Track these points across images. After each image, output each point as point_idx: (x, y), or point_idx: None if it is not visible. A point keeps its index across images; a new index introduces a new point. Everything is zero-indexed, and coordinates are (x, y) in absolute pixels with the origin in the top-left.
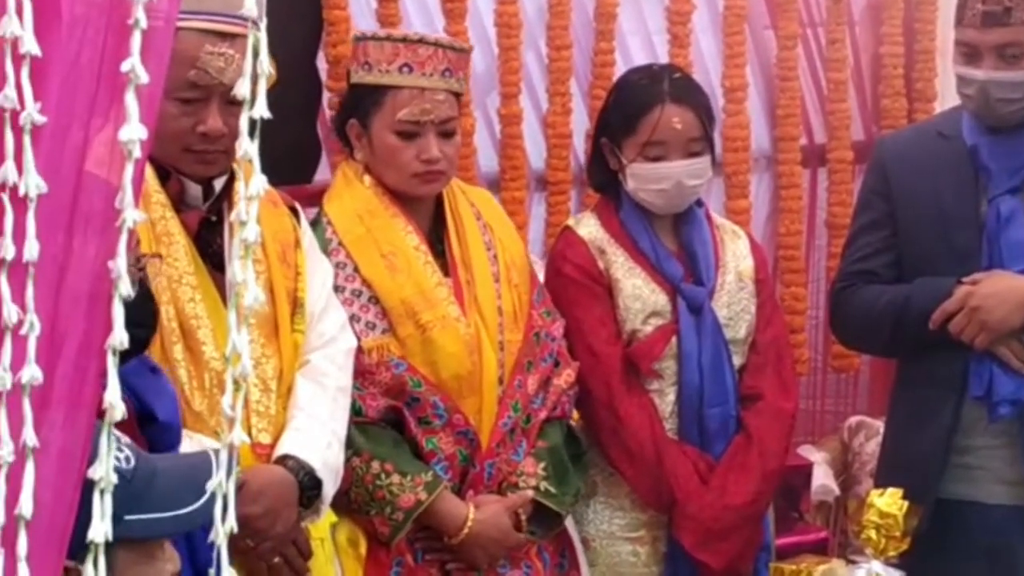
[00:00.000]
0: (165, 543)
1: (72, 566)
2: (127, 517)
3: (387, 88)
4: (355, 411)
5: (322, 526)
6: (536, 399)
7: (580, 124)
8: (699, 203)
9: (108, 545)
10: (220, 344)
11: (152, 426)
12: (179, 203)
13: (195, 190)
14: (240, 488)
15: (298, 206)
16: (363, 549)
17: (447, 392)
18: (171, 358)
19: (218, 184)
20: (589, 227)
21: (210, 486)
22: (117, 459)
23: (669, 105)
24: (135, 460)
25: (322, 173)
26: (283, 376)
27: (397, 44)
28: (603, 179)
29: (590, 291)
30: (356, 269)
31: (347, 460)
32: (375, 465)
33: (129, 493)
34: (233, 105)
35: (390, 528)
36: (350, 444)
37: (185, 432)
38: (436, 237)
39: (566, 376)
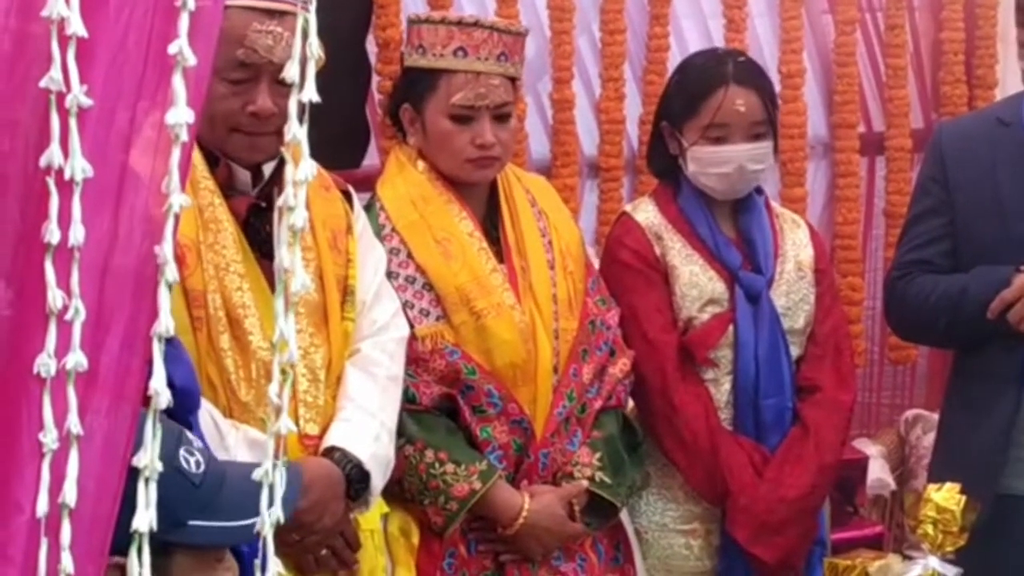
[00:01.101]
0: (226, 551)
1: (120, 562)
2: (191, 523)
3: (441, 72)
4: (408, 399)
5: (372, 517)
6: (591, 388)
7: (633, 110)
8: (759, 191)
9: (168, 547)
10: (268, 334)
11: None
12: (227, 189)
13: (244, 175)
14: None
15: (351, 190)
16: (415, 539)
17: (502, 380)
18: (218, 347)
19: (267, 169)
20: (647, 213)
21: (257, 474)
22: (187, 462)
23: (733, 87)
24: (205, 465)
25: (370, 158)
26: (332, 365)
27: (452, 27)
28: (662, 164)
29: (646, 278)
30: (410, 255)
31: (400, 448)
32: (429, 454)
33: (196, 498)
34: (283, 85)
35: (444, 518)
36: (403, 432)
37: (231, 423)
38: (491, 223)
39: (621, 365)
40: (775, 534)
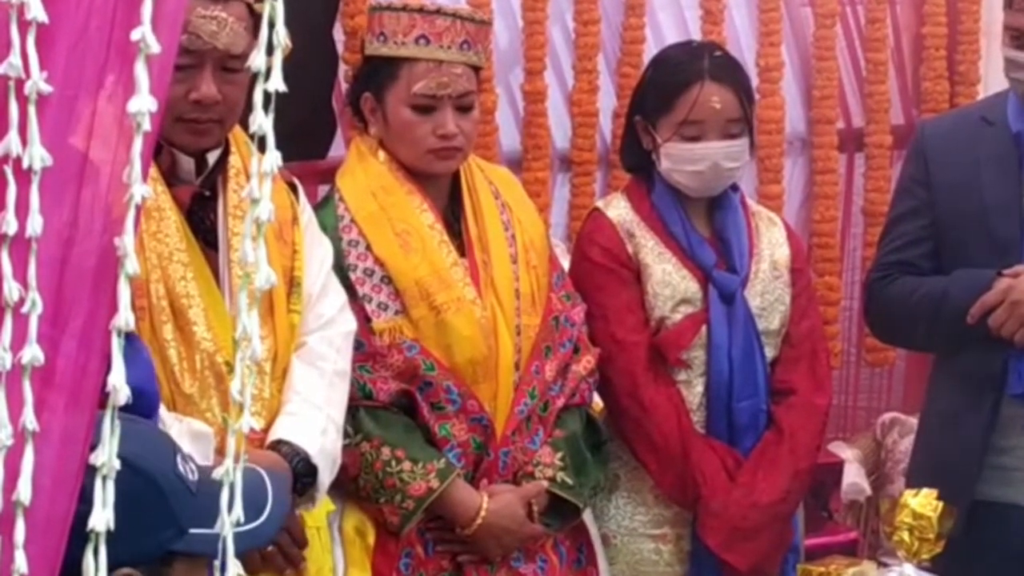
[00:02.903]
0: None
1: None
2: (192, 531)
3: (403, 60)
4: (365, 395)
5: (318, 515)
6: (554, 386)
7: (607, 102)
8: (734, 188)
9: (168, 558)
10: (212, 324)
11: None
12: (171, 177)
13: (188, 164)
14: None
15: (296, 181)
16: (371, 539)
17: (461, 377)
18: (160, 338)
19: (211, 158)
20: (619, 209)
21: (217, 473)
22: (185, 470)
23: (708, 83)
24: (198, 474)
25: (337, 149)
26: (278, 358)
27: (414, 15)
28: (635, 160)
29: (617, 276)
30: (369, 247)
31: (356, 445)
32: (385, 451)
33: (196, 507)
34: (228, 72)
35: (400, 517)
36: (360, 429)
37: (174, 415)
38: (453, 216)
39: (585, 362)
40: (748, 540)
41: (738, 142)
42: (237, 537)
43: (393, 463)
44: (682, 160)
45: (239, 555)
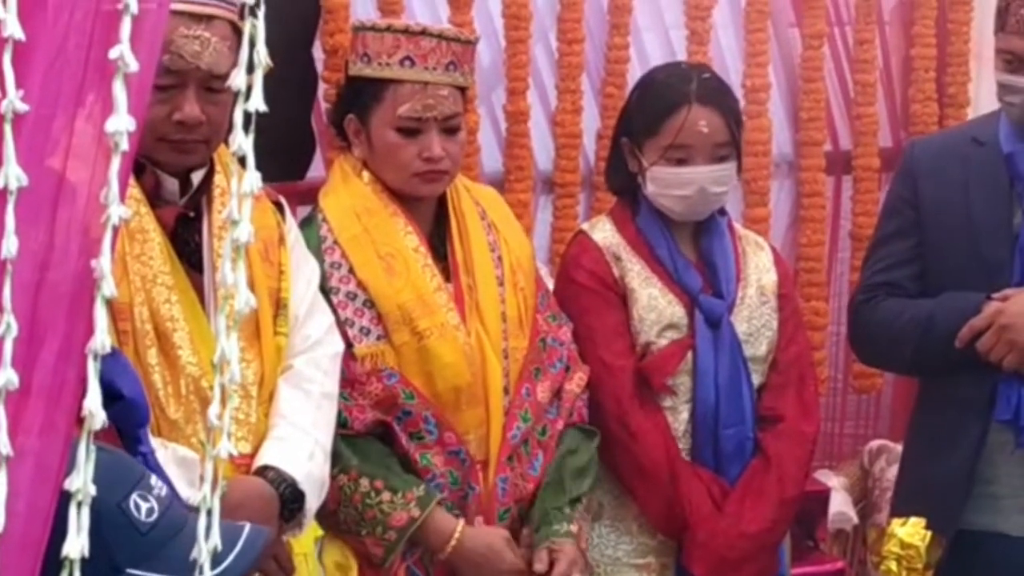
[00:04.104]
0: None
1: None
2: (130, 571)
3: (388, 82)
4: (341, 423)
5: (305, 541)
6: (551, 408)
7: (591, 123)
8: (722, 211)
9: None
10: (198, 348)
11: (117, 404)
12: (154, 198)
13: (171, 184)
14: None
15: (283, 201)
16: (354, 573)
17: (440, 408)
18: (144, 363)
19: (196, 178)
20: (604, 232)
21: (195, 499)
22: (137, 508)
23: (696, 107)
24: (159, 514)
25: (315, 170)
26: (264, 381)
27: (398, 35)
28: (621, 182)
29: (604, 299)
30: (351, 270)
31: (334, 477)
32: (364, 483)
33: (141, 546)
34: (211, 92)
35: (383, 549)
36: (337, 460)
37: (159, 441)
38: (438, 239)
39: (578, 380)
40: (735, 570)
41: (726, 166)
42: None
43: (372, 495)
44: (668, 184)
45: None
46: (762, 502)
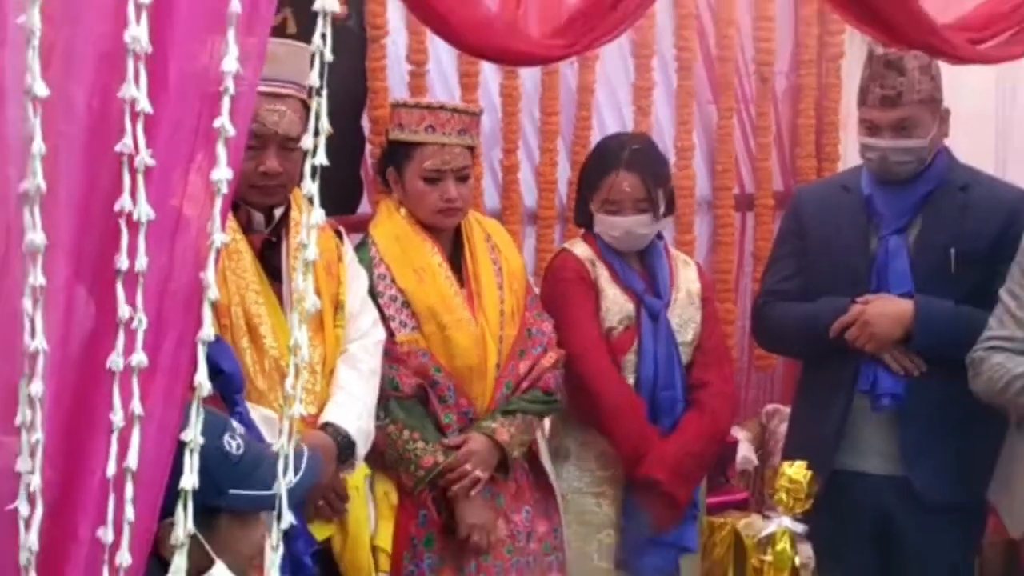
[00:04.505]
0: (261, 515)
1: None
2: (232, 491)
3: (416, 144)
4: (393, 387)
5: (357, 477)
6: (526, 379)
7: (564, 174)
8: (660, 237)
9: (214, 511)
10: (277, 337)
11: (220, 377)
12: (246, 228)
13: (259, 218)
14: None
15: (342, 230)
16: (395, 499)
17: (459, 379)
18: (239, 348)
19: (277, 213)
20: (581, 248)
21: (276, 447)
22: (229, 445)
23: (623, 172)
24: (244, 448)
25: (363, 208)
26: (327, 361)
27: (423, 110)
28: (584, 218)
29: (585, 288)
30: (393, 280)
31: (384, 427)
32: (405, 433)
33: (235, 473)
34: (287, 150)
35: (413, 481)
36: (389, 414)
37: (250, 405)
38: (455, 257)
39: (549, 358)
40: (683, 478)
41: (646, 216)
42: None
43: (411, 442)
44: (606, 226)
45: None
46: (700, 434)
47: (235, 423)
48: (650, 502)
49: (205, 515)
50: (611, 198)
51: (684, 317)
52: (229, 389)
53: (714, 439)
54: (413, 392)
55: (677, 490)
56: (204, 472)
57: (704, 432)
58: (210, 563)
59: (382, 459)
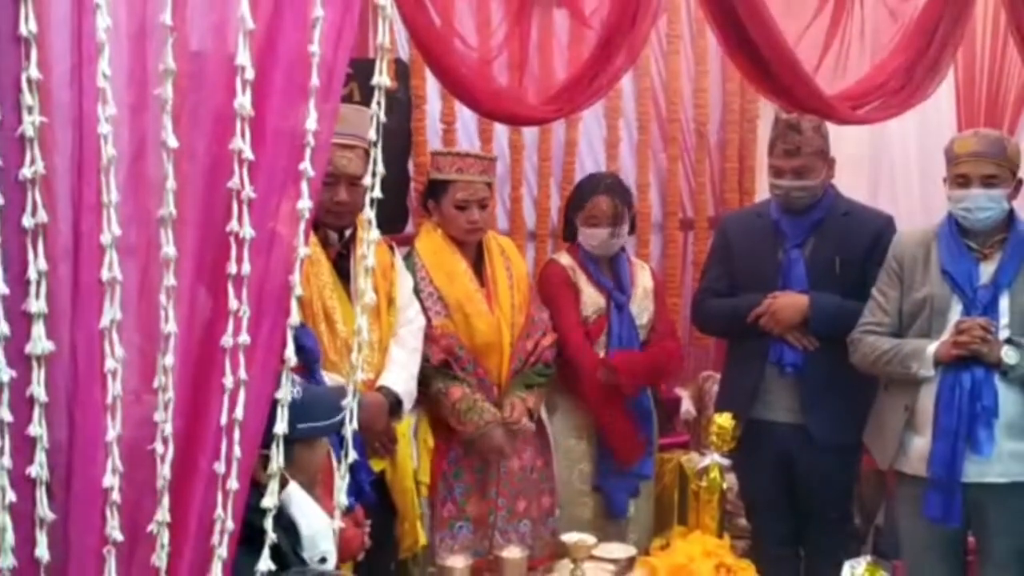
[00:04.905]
0: (323, 440)
1: (265, 453)
2: (299, 425)
3: (449, 182)
4: (425, 359)
5: (404, 426)
6: (532, 355)
7: (555, 203)
8: (623, 250)
9: (287, 440)
10: (346, 323)
11: (302, 353)
12: (325, 243)
13: (333, 236)
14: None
15: (394, 244)
16: (431, 442)
17: (478, 355)
18: (318, 331)
19: (347, 233)
20: (566, 258)
21: (344, 404)
22: (293, 392)
23: (602, 195)
24: (303, 392)
25: (408, 228)
26: (382, 341)
27: (455, 157)
28: (571, 235)
29: (568, 289)
30: (431, 282)
31: (459, 387)
32: (476, 395)
33: (300, 411)
34: (353, 186)
35: (475, 428)
36: (458, 381)
37: (325, 372)
38: (478, 264)
39: (548, 339)
40: (633, 373)
41: (619, 228)
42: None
43: (478, 402)
44: (588, 236)
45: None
46: (648, 352)
47: (296, 377)
48: (613, 442)
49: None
50: (593, 214)
51: (641, 307)
52: (309, 360)
53: (658, 366)
54: (439, 364)
55: (629, 380)
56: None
57: (650, 353)
58: (286, 482)
59: (427, 412)
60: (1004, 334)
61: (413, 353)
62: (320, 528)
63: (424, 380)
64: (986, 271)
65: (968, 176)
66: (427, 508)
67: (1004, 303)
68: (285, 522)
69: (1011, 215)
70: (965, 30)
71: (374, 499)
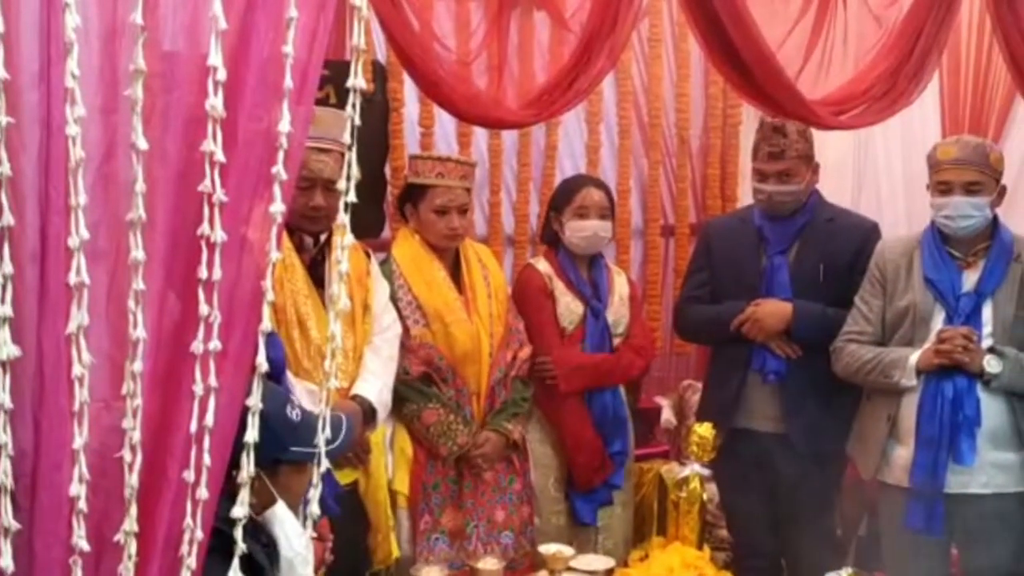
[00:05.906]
0: (310, 463)
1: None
2: (292, 448)
3: (428, 186)
4: (404, 372)
5: (378, 435)
6: (512, 366)
7: (534, 208)
8: (601, 256)
9: (277, 463)
10: (320, 329)
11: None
12: (299, 248)
13: (308, 241)
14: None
15: (370, 251)
16: (410, 453)
17: (456, 364)
18: (291, 337)
19: (322, 238)
20: (543, 265)
21: (317, 412)
22: (291, 414)
23: (591, 188)
24: (302, 415)
25: (384, 233)
26: (356, 349)
27: (433, 161)
28: (549, 238)
29: (544, 298)
30: (409, 289)
31: (435, 409)
32: (451, 416)
33: (294, 434)
34: (328, 190)
35: (447, 450)
36: (436, 399)
37: (297, 379)
38: (455, 271)
39: (524, 351)
40: (570, 377)
41: (607, 222)
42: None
43: (453, 423)
44: (576, 230)
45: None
46: (602, 358)
47: (294, 397)
48: (576, 463)
49: (271, 465)
50: (583, 204)
51: (618, 315)
52: (275, 371)
53: (602, 363)
54: (419, 376)
55: (563, 378)
56: (271, 433)
57: (606, 359)
58: (273, 500)
59: (405, 422)
60: (987, 343)
61: (388, 362)
62: (300, 552)
63: (398, 396)
64: (969, 279)
65: (950, 183)
66: (406, 519)
67: (987, 311)
68: (266, 539)
69: (995, 222)
70: (949, 36)
71: (338, 512)
